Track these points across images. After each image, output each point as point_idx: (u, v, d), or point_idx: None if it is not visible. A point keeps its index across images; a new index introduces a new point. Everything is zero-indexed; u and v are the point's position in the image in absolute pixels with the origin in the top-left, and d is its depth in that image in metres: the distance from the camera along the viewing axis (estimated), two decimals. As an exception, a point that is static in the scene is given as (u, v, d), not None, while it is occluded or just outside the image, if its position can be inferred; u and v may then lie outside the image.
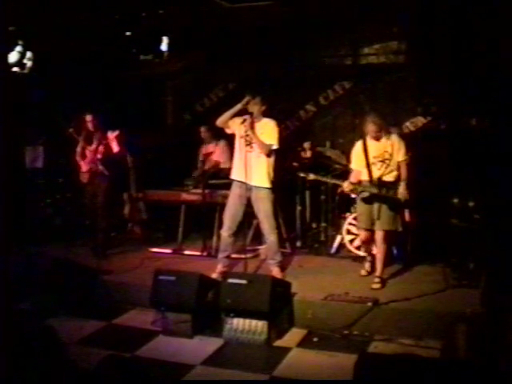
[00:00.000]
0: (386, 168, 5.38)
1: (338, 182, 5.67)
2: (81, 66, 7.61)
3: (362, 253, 6.24)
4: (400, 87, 7.53)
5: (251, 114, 5.48)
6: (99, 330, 4.99)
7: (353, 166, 5.57)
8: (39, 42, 6.87)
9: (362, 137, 5.50)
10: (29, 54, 6.78)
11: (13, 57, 6.63)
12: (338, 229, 6.66)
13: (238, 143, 5.60)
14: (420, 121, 7.43)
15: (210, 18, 7.15)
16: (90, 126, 6.54)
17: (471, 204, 5.65)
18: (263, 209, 5.55)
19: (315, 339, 4.67)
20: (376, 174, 5.38)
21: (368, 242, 5.65)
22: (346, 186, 5.38)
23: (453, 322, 4.03)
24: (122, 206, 7.59)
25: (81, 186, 6.70)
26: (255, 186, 5.51)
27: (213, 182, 6.80)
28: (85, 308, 5.23)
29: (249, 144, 5.50)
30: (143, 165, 7.71)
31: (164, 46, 7.21)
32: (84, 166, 6.58)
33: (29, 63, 6.81)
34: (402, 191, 5.31)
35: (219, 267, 5.66)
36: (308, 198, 7.04)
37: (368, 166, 5.39)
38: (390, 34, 7.55)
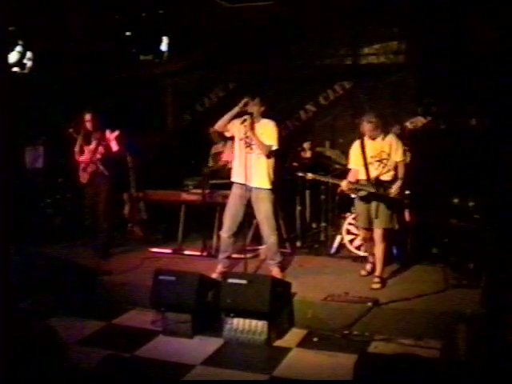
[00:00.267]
0: (384, 168, 5.42)
1: (336, 181, 5.71)
2: (81, 66, 7.61)
3: (361, 253, 6.25)
4: (400, 87, 7.54)
5: (251, 114, 5.48)
6: (99, 330, 4.99)
7: (351, 165, 5.61)
8: (39, 42, 6.87)
9: (360, 137, 5.54)
10: (29, 54, 6.78)
11: (13, 57, 6.63)
12: (337, 229, 6.66)
13: (238, 145, 5.59)
14: (420, 121, 7.42)
15: (210, 18, 7.15)
16: (88, 125, 6.49)
17: (471, 204, 5.65)
18: (263, 209, 5.54)
19: (315, 339, 4.67)
20: (373, 173, 5.42)
21: (369, 242, 5.65)
22: (344, 185, 5.43)
23: (453, 322, 4.04)
24: (122, 206, 7.58)
25: (81, 186, 6.68)
26: (255, 187, 5.51)
27: (213, 182, 6.80)
28: (85, 308, 5.24)
29: (248, 145, 5.50)
30: (143, 165, 7.71)
31: (164, 46, 7.20)
32: (83, 164, 6.53)
33: (29, 63, 6.81)
34: (394, 188, 5.35)
35: (219, 267, 5.66)
36: (308, 198, 7.04)
37: (366, 165, 5.43)
38: (390, 34, 7.55)
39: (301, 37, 7.64)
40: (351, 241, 6.48)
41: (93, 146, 6.49)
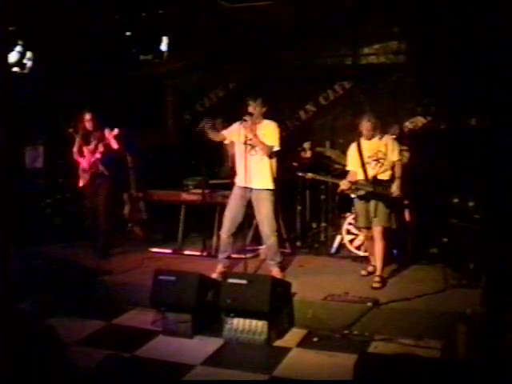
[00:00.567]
0: (381, 167, 5.48)
1: (335, 180, 5.75)
2: (81, 66, 7.61)
3: (361, 253, 6.25)
4: (400, 87, 7.54)
5: (250, 115, 5.48)
6: (99, 330, 4.99)
7: (349, 167, 5.67)
8: (39, 42, 6.88)
9: (356, 138, 5.59)
10: (29, 54, 6.78)
11: (13, 57, 6.63)
12: (337, 229, 6.66)
13: (239, 149, 5.59)
14: (420, 121, 7.42)
15: (210, 18, 7.15)
16: (88, 125, 6.48)
17: (471, 204, 5.66)
18: (264, 210, 5.55)
19: (315, 339, 4.66)
20: (371, 172, 5.48)
21: (369, 241, 5.66)
22: (343, 184, 5.47)
23: (453, 322, 4.04)
24: (122, 206, 7.59)
25: (80, 188, 6.66)
26: (256, 188, 5.52)
27: (213, 182, 6.81)
28: (85, 308, 5.24)
29: (252, 148, 5.51)
30: (143, 165, 7.71)
31: (164, 46, 7.21)
32: (83, 164, 6.52)
33: (29, 63, 6.81)
34: (394, 189, 5.41)
35: (219, 267, 5.65)
36: (308, 198, 7.04)
37: (363, 165, 5.49)
38: (390, 34, 7.55)
39: (301, 37, 7.64)
40: (351, 241, 6.48)
41: (92, 145, 6.48)
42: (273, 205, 5.57)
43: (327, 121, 8.06)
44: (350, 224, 6.47)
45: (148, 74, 8.18)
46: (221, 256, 5.73)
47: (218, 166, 7.36)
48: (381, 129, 5.60)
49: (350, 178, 5.56)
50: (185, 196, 6.90)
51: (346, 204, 6.47)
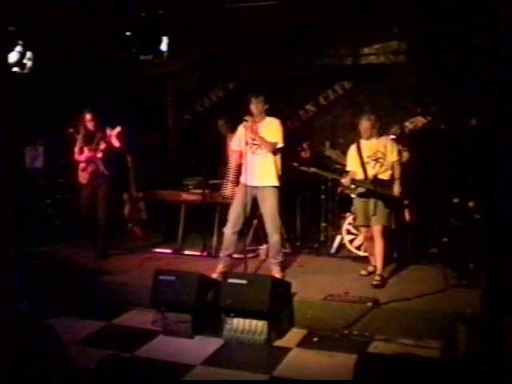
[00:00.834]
0: (381, 167, 5.50)
1: (336, 176, 5.83)
2: (81, 66, 7.61)
3: (361, 253, 6.25)
4: (400, 87, 7.54)
5: (251, 114, 5.49)
6: (99, 329, 4.99)
7: (348, 167, 5.69)
8: (39, 42, 6.87)
9: (356, 139, 5.62)
10: (29, 54, 6.78)
11: (13, 57, 6.63)
12: (337, 229, 6.66)
13: (245, 148, 5.60)
14: (420, 121, 7.44)
15: (210, 18, 7.15)
16: (89, 125, 6.47)
17: (471, 204, 5.66)
18: (269, 207, 5.55)
19: (315, 339, 4.66)
20: (371, 172, 5.50)
21: (369, 241, 5.66)
22: (344, 180, 5.51)
23: (453, 322, 4.04)
24: (122, 206, 7.59)
25: (79, 186, 6.65)
26: (262, 186, 5.53)
27: (213, 182, 6.80)
28: (85, 308, 5.24)
29: (257, 147, 5.52)
30: (143, 165, 7.71)
31: (164, 46, 7.20)
32: (83, 164, 6.51)
33: (29, 63, 6.81)
34: (396, 189, 5.45)
35: (220, 267, 5.64)
36: (308, 198, 7.04)
37: (363, 165, 5.51)
38: (390, 34, 7.56)
39: (301, 37, 7.64)
40: (351, 241, 6.48)
41: (94, 145, 6.46)
42: (278, 202, 5.57)
43: (327, 121, 8.06)
44: (350, 224, 6.48)
45: (148, 74, 8.18)
46: (222, 254, 5.71)
47: (218, 166, 7.36)
48: (381, 129, 5.61)
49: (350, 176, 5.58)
50: (185, 196, 6.90)
51: (346, 204, 6.48)
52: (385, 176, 5.51)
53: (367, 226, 5.55)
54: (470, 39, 6.48)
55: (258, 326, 4.60)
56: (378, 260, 5.47)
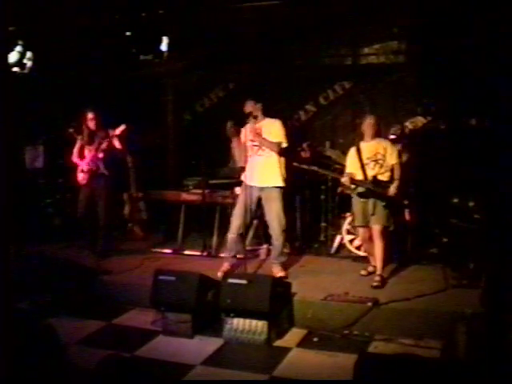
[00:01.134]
0: (380, 168, 5.51)
1: (337, 175, 5.87)
2: (81, 66, 7.61)
3: (361, 253, 6.25)
4: (400, 87, 7.53)
5: (253, 116, 5.50)
6: (99, 329, 4.99)
7: (348, 169, 5.69)
8: (39, 42, 6.87)
9: (356, 141, 5.64)
10: (29, 54, 6.78)
11: (13, 57, 6.63)
12: (337, 229, 6.66)
13: (248, 148, 5.60)
14: (420, 121, 7.43)
15: (210, 17, 7.15)
16: (91, 124, 6.46)
17: (471, 204, 5.66)
18: (275, 208, 5.55)
19: (315, 339, 4.67)
20: (370, 173, 5.52)
21: (368, 242, 5.66)
22: (344, 180, 5.53)
23: (453, 322, 4.04)
24: (122, 206, 7.58)
25: (78, 186, 6.64)
26: (267, 187, 5.53)
27: (213, 182, 6.80)
28: (85, 308, 5.24)
29: (259, 148, 5.53)
30: (143, 165, 7.71)
31: (164, 46, 7.20)
32: (83, 166, 6.50)
33: (29, 63, 6.81)
34: (392, 190, 5.45)
35: (225, 265, 5.64)
36: (308, 198, 7.03)
37: (362, 166, 5.53)
38: (390, 34, 7.54)
39: (301, 37, 7.63)
40: (351, 241, 6.48)
41: (95, 144, 6.44)
42: (282, 203, 5.57)
43: (327, 121, 8.05)
44: (349, 224, 6.48)
45: (148, 74, 8.17)
46: (227, 254, 5.71)
47: (218, 166, 7.36)
48: (381, 129, 5.61)
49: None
50: (185, 196, 6.90)
51: (346, 204, 6.47)
52: (384, 177, 5.52)
53: (366, 226, 5.55)
54: (470, 39, 6.48)
55: (258, 326, 4.61)
56: (377, 260, 5.47)
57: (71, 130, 6.58)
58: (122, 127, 6.32)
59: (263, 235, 6.49)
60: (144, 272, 5.78)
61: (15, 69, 6.69)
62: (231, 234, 5.64)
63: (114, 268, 6.07)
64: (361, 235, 5.77)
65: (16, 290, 4.51)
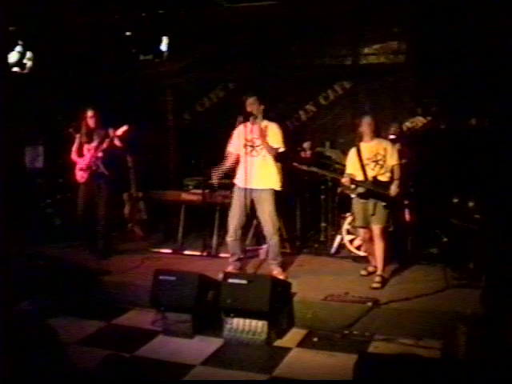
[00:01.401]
0: (380, 168, 5.50)
1: (337, 175, 5.87)
2: (81, 66, 7.61)
3: (361, 253, 6.25)
4: (400, 87, 7.54)
5: (251, 115, 5.48)
6: (99, 329, 4.98)
7: (348, 170, 5.68)
8: (39, 42, 6.88)
9: (356, 142, 5.62)
10: (29, 54, 6.78)
11: (13, 57, 6.64)
12: (337, 229, 6.65)
13: (241, 150, 5.59)
14: (420, 121, 7.42)
15: (209, 18, 7.15)
16: (91, 122, 6.42)
17: (471, 204, 5.66)
18: (268, 210, 5.55)
19: (315, 339, 4.66)
20: (370, 173, 5.50)
21: (368, 243, 5.66)
22: (344, 180, 5.52)
23: (453, 322, 4.04)
24: (122, 206, 7.58)
25: (77, 185, 6.63)
26: (260, 189, 5.52)
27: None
28: (85, 308, 5.24)
29: (252, 149, 5.52)
30: (143, 165, 7.70)
31: (164, 46, 7.21)
32: (81, 164, 6.47)
33: (29, 63, 6.81)
34: (392, 189, 5.44)
35: (230, 269, 5.63)
36: (308, 198, 7.03)
37: (362, 167, 5.52)
38: (390, 34, 7.55)
39: (301, 37, 7.63)
40: (351, 241, 6.48)
41: (95, 143, 6.43)
42: (275, 204, 5.57)
43: (327, 121, 8.05)
44: (349, 224, 6.47)
45: (148, 74, 8.17)
46: (231, 259, 5.72)
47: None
48: (381, 129, 5.61)
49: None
50: (185, 196, 6.90)
51: (346, 204, 6.47)
52: (384, 178, 5.50)
53: (366, 227, 5.55)
54: (470, 39, 6.48)
55: (258, 325, 4.60)
56: (378, 261, 5.47)
57: (71, 130, 6.57)
58: (124, 128, 6.30)
59: (263, 235, 6.49)
60: (144, 272, 5.76)
61: (15, 69, 6.69)
62: (230, 238, 5.65)
63: (114, 268, 6.06)
64: (361, 236, 5.77)
65: (16, 290, 4.52)
